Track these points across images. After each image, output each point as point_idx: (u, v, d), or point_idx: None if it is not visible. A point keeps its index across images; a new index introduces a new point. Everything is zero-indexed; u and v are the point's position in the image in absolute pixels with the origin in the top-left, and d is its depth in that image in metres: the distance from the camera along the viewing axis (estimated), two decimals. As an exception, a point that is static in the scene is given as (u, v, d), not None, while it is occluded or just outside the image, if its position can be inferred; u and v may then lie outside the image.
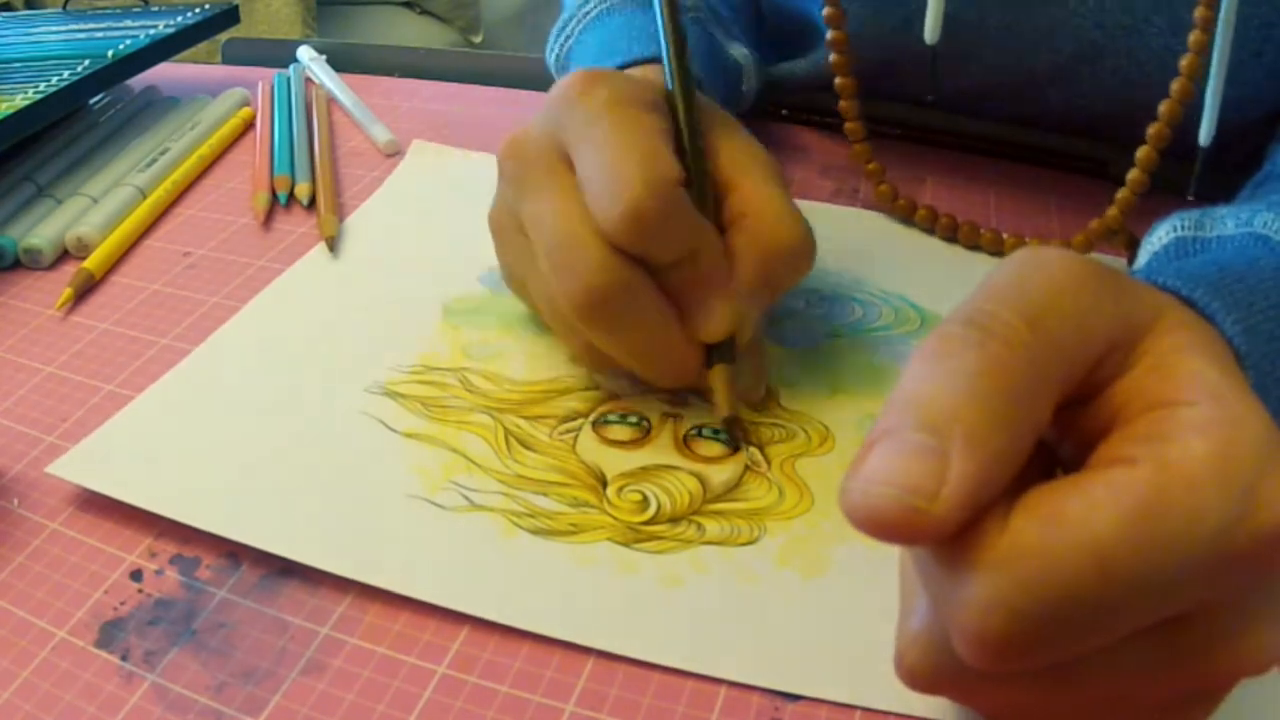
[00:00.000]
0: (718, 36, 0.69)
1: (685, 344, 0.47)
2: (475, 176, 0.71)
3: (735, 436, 0.48)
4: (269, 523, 0.43)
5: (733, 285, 0.47)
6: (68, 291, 0.58)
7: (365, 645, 0.39)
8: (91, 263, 0.60)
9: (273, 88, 0.83)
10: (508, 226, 0.50)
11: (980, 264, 0.63)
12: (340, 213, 0.67)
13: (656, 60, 0.58)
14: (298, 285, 0.59)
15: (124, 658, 0.39)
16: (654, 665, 0.38)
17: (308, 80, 0.86)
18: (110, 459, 0.47)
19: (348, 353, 0.53)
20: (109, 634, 0.40)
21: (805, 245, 0.48)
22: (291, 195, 0.69)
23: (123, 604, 0.41)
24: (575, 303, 0.45)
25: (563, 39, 0.71)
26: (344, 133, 0.79)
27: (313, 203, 0.69)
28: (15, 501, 0.45)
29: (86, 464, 0.46)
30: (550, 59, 0.73)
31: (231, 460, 0.47)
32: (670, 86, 0.50)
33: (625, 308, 0.45)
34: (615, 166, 0.44)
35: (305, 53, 0.91)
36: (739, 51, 0.70)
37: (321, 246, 0.63)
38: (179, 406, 0.50)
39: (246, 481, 0.46)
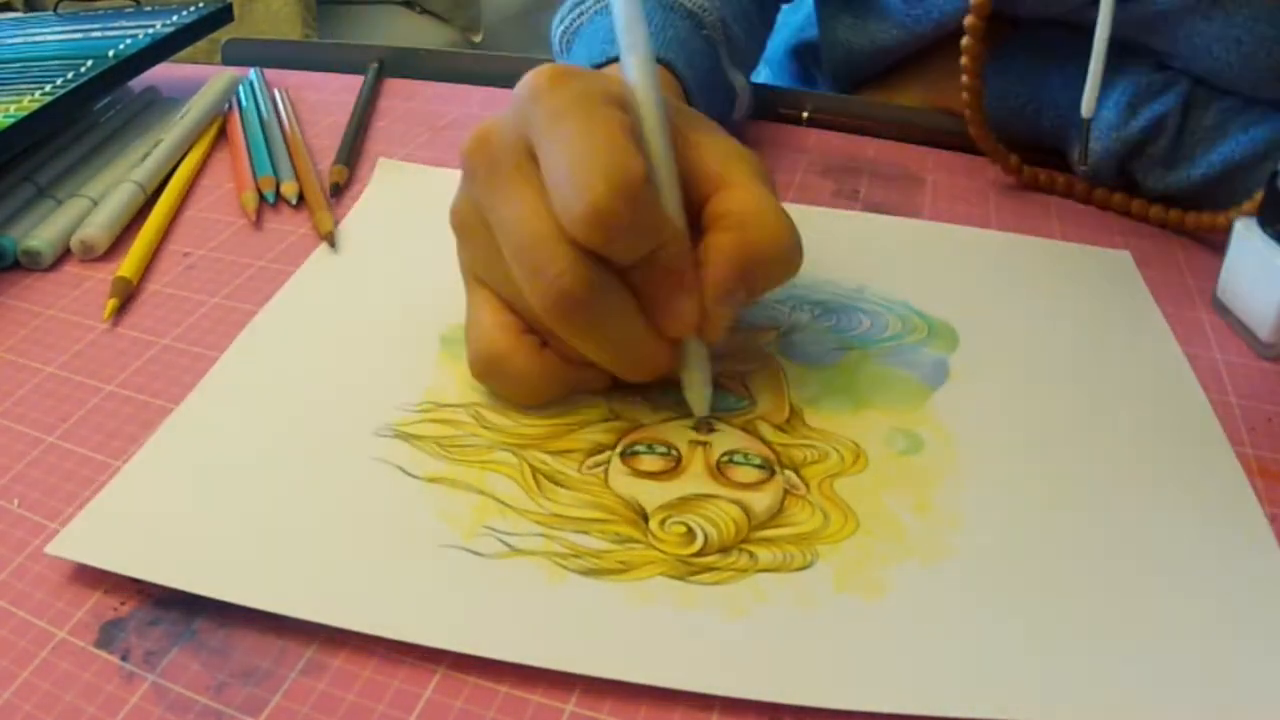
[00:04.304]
0: (722, 59, 0.70)
1: (654, 339, 0.47)
2: (448, 196, 0.70)
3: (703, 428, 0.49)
4: (300, 591, 0.40)
5: (699, 282, 0.46)
6: (113, 302, 0.57)
7: (365, 645, 0.39)
8: (127, 269, 0.60)
9: (238, 93, 0.84)
10: (472, 224, 0.49)
11: (977, 266, 0.63)
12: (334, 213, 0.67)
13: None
14: (281, 322, 0.57)
15: (124, 658, 0.38)
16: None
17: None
18: (116, 532, 0.43)
19: (348, 394, 0.51)
20: (109, 634, 0.39)
21: (792, 248, 0.47)
22: (279, 195, 0.70)
23: (123, 604, 0.41)
24: (546, 305, 0.44)
25: (575, 14, 0.71)
26: (339, 132, 0.79)
27: (301, 201, 0.69)
28: (15, 502, 0.45)
29: (90, 540, 0.43)
30: (555, 33, 0.73)
31: (246, 525, 0.44)
32: (632, 80, 0.48)
33: (595, 308, 0.44)
34: (578, 164, 0.43)
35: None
36: (738, 79, 0.72)
37: (315, 258, 0.62)
38: (178, 467, 0.47)
39: (264, 548, 0.42)
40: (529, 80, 0.46)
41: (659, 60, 0.60)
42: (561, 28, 0.73)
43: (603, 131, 0.43)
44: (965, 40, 0.68)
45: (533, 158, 0.46)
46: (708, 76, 0.67)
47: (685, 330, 0.47)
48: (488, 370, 0.49)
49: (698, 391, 0.49)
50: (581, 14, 0.71)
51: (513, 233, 0.45)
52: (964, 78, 0.69)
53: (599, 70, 0.54)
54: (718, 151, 0.48)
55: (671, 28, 0.65)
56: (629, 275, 0.45)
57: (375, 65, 0.90)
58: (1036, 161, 0.75)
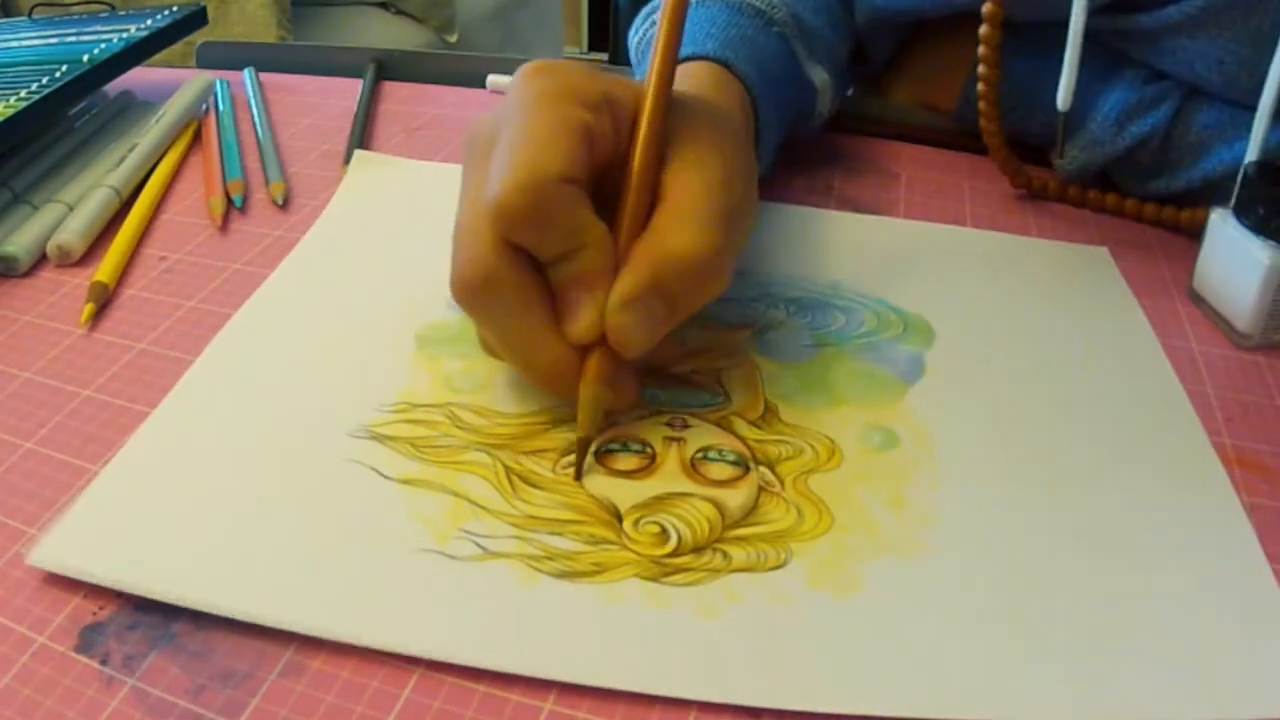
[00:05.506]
0: (799, 55, 0.69)
1: (558, 345, 0.46)
2: (425, 190, 0.71)
3: (579, 460, 0.47)
4: (276, 598, 0.40)
5: (611, 288, 0.45)
6: (90, 306, 0.57)
7: (343, 646, 0.39)
8: (104, 274, 0.60)
9: (215, 95, 0.84)
10: None
11: (953, 263, 0.63)
12: (303, 214, 0.67)
13: (705, 58, 0.60)
14: (257, 323, 0.57)
15: (104, 662, 0.39)
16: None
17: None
18: (93, 540, 0.43)
19: (322, 395, 0.51)
20: (88, 639, 0.39)
21: (704, 260, 0.45)
22: (246, 198, 0.70)
23: (102, 608, 0.41)
24: (451, 286, 0.46)
25: (648, 24, 0.72)
26: (315, 134, 0.79)
27: (286, 203, 0.69)
28: (-7, 508, 0.45)
29: (68, 549, 0.42)
30: (632, 45, 0.73)
31: (222, 530, 0.43)
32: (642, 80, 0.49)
33: (493, 299, 0.45)
34: (502, 155, 0.44)
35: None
36: (818, 74, 0.70)
37: (289, 259, 0.62)
38: (154, 472, 0.46)
39: (240, 554, 0.42)
40: (516, 74, 0.48)
41: (719, 60, 0.61)
42: (637, 37, 0.73)
43: (541, 127, 0.45)
44: (984, 29, 0.67)
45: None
46: (779, 74, 0.66)
47: (582, 335, 0.46)
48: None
49: (584, 407, 0.47)
50: (654, 24, 0.70)
51: (458, 215, 0.47)
52: (981, 68, 0.68)
53: (606, 70, 0.55)
54: (682, 160, 0.48)
55: (735, 26, 0.65)
56: (550, 274, 0.46)
57: (373, 65, 0.90)
58: (1023, 160, 0.75)
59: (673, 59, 0.49)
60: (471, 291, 0.45)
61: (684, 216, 0.46)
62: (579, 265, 0.45)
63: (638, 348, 0.46)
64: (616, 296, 0.45)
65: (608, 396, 0.47)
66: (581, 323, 0.46)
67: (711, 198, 0.46)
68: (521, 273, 0.45)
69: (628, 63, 0.77)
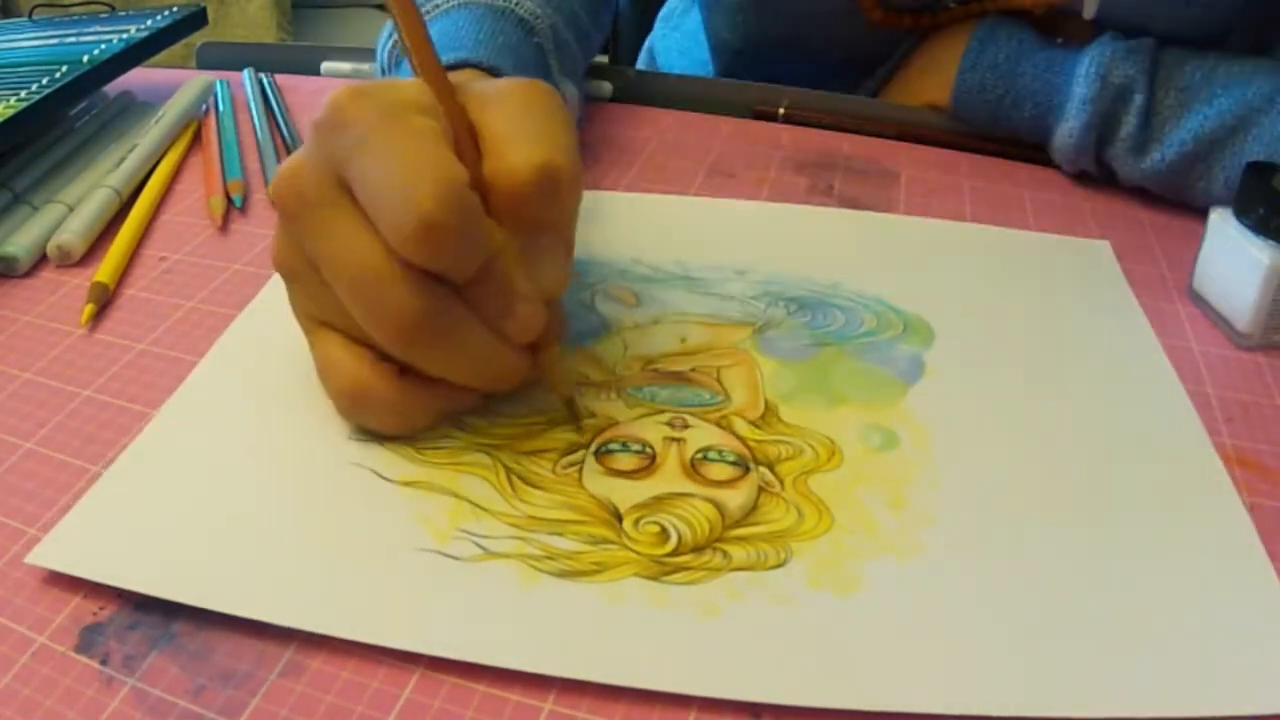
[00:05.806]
0: (553, 68, 0.68)
1: (508, 347, 0.46)
2: None
3: (573, 415, 0.49)
4: (278, 596, 0.40)
5: (530, 283, 0.45)
6: (90, 307, 0.57)
7: (344, 646, 0.39)
8: (104, 274, 0.60)
9: (215, 95, 0.84)
10: (297, 267, 0.46)
11: (955, 261, 0.63)
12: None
13: (468, 65, 0.59)
14: (260, 324, 0.56)
15: (104, 662, 0.39)
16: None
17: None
18: (95, 540, 0.43)
19: (324, 397, 0.50)
20: (89, 639, 0.39)
21: (539, 170, 0.44)
22: (246, 198, 0.70)
23: (102, 608, 0.41)
24: (392, 337, 0.43)
25: (395, 36, 0.71)
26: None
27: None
28: (-7, 509, 0.45)
29: (70, 548, 0.42)
30: (382, 52, 0.71)
31: (224, 530, 0.43)
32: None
33: (443, 330, 0.44)
34: (399, 180, 0.41)
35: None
36: (568, 89, 0.69)
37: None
38: (156, 474, 0.46)
39: (242, 553, 0.42)
40: (326, 106, 0.44)
41: (489, 67, 0.59)
42: (387, 47, 0.71)
43: (415, 143, 0.42)
44: None
45: (344, 187, 0.44)
46: None
47: (536, 332, 0.46)
48: (355, 407, 0.48)
49: (555, 373, 0.49)
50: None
51: (342, 269, 0.44)
52: None
53: (396, 80, 0.51)
54: (482, 103, 0.47)
55: (503, 34, 0.64)
56: (464, 292, 0.44)
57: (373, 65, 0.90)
58: (1015, 156, 0.75)
59: (428, 46, 0.47)
60: (422, 330, 0.43)
61: (503, 141, 0.45)
62: (502, 269, 0.45)
63: (561, 286, 0.47)
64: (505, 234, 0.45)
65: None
66: (532, 320, 0.46)
67: (530, 114, 0.46)
68: (452, 294, 0.44)
69: (629, 64, 0.77)
